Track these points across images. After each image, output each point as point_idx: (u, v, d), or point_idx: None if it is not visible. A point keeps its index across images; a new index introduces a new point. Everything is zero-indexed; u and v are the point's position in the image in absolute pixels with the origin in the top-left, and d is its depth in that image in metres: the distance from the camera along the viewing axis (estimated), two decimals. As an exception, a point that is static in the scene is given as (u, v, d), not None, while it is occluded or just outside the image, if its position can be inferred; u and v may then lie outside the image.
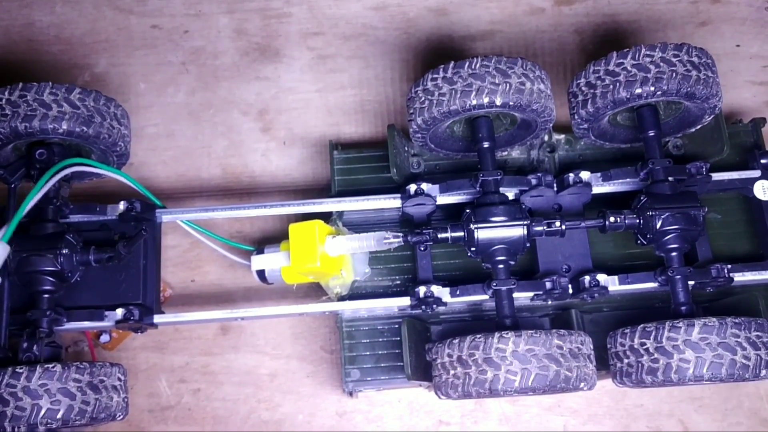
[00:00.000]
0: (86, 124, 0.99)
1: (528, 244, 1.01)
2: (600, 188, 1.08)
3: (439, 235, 1.01)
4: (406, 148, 1.15)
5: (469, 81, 0.97)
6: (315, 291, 1.10)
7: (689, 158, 1.12)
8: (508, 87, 0.96)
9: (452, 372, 0.92)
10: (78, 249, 1.02)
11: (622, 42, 1.30)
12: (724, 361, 0.87)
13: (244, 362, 1.16)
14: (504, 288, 0.99)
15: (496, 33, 1.31)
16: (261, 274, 1.09)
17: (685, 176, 1.03)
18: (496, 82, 0.96)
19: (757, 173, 1.10)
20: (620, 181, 1.07)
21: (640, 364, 0.91)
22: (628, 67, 0.97)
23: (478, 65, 0.97)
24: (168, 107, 1.28)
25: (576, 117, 1.03)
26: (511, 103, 0.97)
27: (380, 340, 1.08)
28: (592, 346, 0.95)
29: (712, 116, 1.04)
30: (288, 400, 1.15)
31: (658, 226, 0.99)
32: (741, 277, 1.03)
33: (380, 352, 1.07)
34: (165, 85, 1.29)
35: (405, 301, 1.04)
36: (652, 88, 0.95)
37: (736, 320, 0.89)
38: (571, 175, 1.05)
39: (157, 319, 1.05)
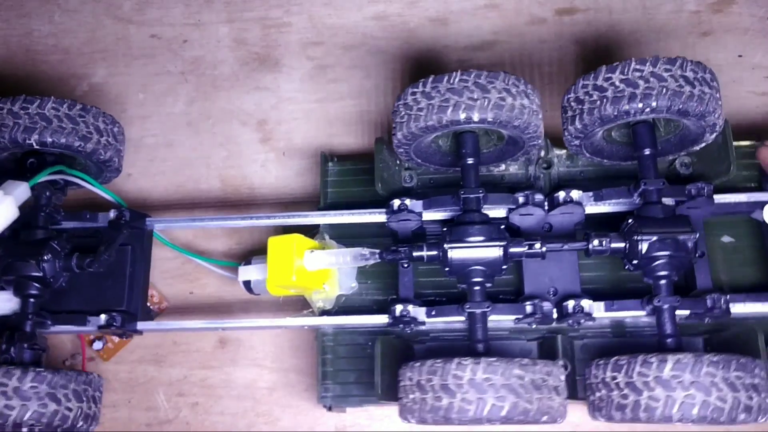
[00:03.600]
0: (58, 135, 1.00)
1: (505, 266, 0.97)
2: (595, 208, 1.03)
3: (414, 254, 0.99)
4: (398, 162, 1.13)
5: (446, 96, 0.94)
6: (310, 305, 1.09)
7: (697, 178, 1.07)
8: (486, 102, 0.93)
9: (411, 396, 0.89)
10: (62, 255, 1.03)
11: (623, 52, 1.29)
12: (696, 402, 0.81)
13: (242, 375, 1.15)
14: (478, 311, 0.96)
15: (497, 43, 1.30)
16: (247, 284, 1.09)
17: (684, 198, 0.98)
18: (474, 97, 0.93)
19: (765, 196, 1.02)
20: (614, 201, 1.02)
21: (610, 399, 0.87)
22: (616, 83, 0.92)
23: (456, 80, 0.94)
24: (167, 117, 1.27)
25: (566, 133, 1.00)
26: (489, 119, 0.93)
27: (361, 356, 1.06)
28: (563, 377, 0.91)
29: (713, 134, 0.98)
30: (287, 413, 1.14)
31: (644, 251, 0.94)
32: (742, 308, 0.97)
33: (361, 368, 1.05)
34: (164, 95, 1.28)
35: (382, 319, 1.02)
36: (640, 105, 0.90)
37: (714, 358, 0.83)
38: (562, 193, 1.01)
39: (141, 325, 1.06)
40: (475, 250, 0.96)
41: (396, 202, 1.05)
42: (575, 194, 1.02)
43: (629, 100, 0.91)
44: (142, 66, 1.30)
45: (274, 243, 1.02)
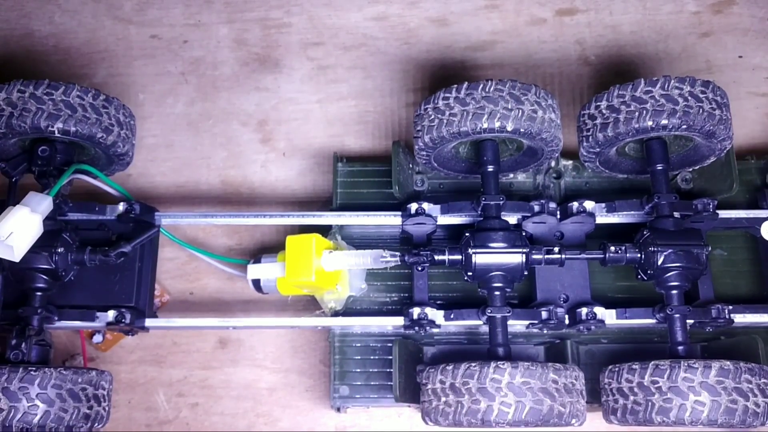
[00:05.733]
0: (82, 124, 0.98)
1: (526, 272, 1.00)
2: (604, 219, 1.06)
3: (437, 257, 1.00)
4: (411, 165, 1.14)
5: (481, 104, 0.96)
6: (313, 304, 1.09)
7: (697, 194, 1.10)
8: (520, 113, 0.95)
9: (443, 399, 0.90)
10: (74, 248, 1.01)
11: (623, 53, 1.29)
12: (707, 406, 0.85)
13: (242, 376, 1.15)
14: (498, 315, 0.98)
15: (497, 43, 1.30)
16: (256, 283, 1.08)
17: (691, 212, 1.01)
18: (509, 107, 0.95)
19: (765, 213, 1.07)
20: (625, 213, 1.05)
21: (624, 403, 0.90)
22: (657, 96, 0.94)
23: (491, 89, 0.96)
24: (167, 118, 1.27)
25: (590, 140, 1.00)
26: (521, 130, 0.96)
27: (372, 357, 1.07)
28: (583, 381, 0.94)
29: (717, 157, 1.02)
30: (287, 414, 1.14)
31: (659, 262, 0.97)
32: (742, 319, 1.02)
33: (371, 370, 1.07)
34: (164, 95, 1.28)
35: (398, 321, 1.04)
36: (679, 121, 0.93)
37: (724, 365, 0.87)
38: (575, 203, 1.04)
39: (149, 322, 1.05)
40: (498, 256, 0.99)
41: (413, 206, 1.06)
42: (588, 205, 1.05)
43: (669, 115, 0.93)
44: (142, 66, 1.30)
45: (293, 242, 1.02)
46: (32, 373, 0.89)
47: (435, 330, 1.04)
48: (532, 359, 1.05)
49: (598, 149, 1.01)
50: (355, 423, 1.13)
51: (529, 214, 1.05)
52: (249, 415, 1.14)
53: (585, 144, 1.01)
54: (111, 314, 1.03)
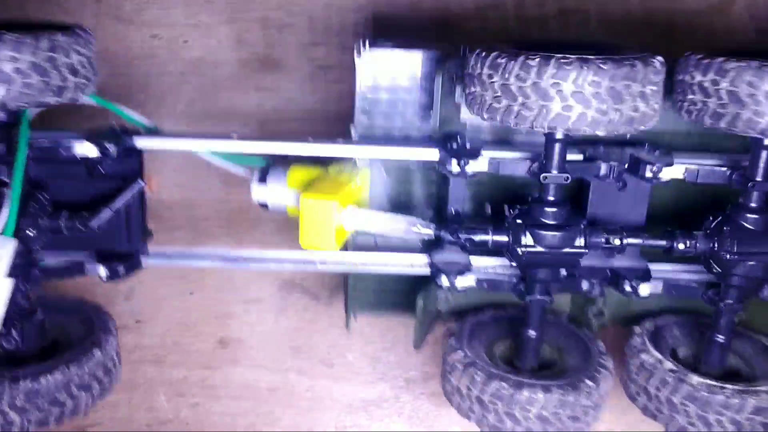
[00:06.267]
0: (27, 96, 0.78)
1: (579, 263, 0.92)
2: (675, 172, 0.92)
3: (476, 238, 0.89)
4: (455, 99, 0.98)
5: (569, 102, 0.77)
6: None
7: None
8: (619, 116, 0.78)
9: (469, 404, 0.90)
10: (47, 219, 0.88)
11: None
12: None
13: (243, 376, 1.15)
14: (538, 300, 0.92)
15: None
16: (263, 205, 1.01)
17: None
18: (604, 108, 0.78)
19: None
20: (708, 181, 0.91)
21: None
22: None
23: (587, 81, 0.76)
24: (167, 117, 1.27)
25: (692, 115, 0.84)
26: (615, 134, 0.81)
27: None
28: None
29: None
30: (287, 414, 1.14)
31: (736, 270, 0.88)
32: None
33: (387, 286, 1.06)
34: (164, 95, 1.28)
35: (421, 258, 0.97)
36: None
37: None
38: (648, 167, 0.89)
39: (145, 262, 0.97)
40: (552, 254, 0.89)
41: (454, 166, 0.91)
42: (665, 174, 0.90)
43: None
44: (142, 66, 1.30)
45: (309, 204, 0.90)
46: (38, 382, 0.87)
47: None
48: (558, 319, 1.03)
49: (698, 126, 0.86)
50: (355, 423, 1.13)
51: (596, 175, 0.92)
52: (249, 415, 1.13)
53: (683, 113, 0.86)
54: (103, 270, 0.94)
